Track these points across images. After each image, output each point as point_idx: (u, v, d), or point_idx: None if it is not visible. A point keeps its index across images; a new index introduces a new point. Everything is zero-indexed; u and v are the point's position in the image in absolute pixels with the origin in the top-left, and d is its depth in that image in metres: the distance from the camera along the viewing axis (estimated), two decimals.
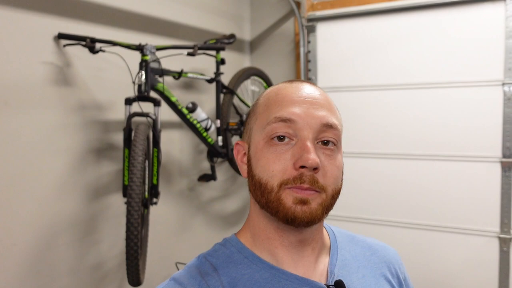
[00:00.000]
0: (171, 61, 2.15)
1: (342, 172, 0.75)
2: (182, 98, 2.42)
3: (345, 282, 0.75)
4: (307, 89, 0.75)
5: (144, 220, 1.92)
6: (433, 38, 2.48)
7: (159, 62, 2.11)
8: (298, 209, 0.68)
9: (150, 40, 2.18)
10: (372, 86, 2.64)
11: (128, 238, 1.58)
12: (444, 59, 2.46)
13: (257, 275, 0.73)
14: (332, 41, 2.76)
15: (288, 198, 0.69)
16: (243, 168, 0.78)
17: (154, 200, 1.91)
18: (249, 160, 0.76)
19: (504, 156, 2.35)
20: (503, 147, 2.35)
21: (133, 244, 1.58)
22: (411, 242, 2.59)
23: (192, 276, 0.73)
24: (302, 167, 0.68)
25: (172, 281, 0.73)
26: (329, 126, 0.71)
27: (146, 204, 1.84)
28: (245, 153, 0.79)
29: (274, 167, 0.70)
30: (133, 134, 1.71)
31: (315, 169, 0.68)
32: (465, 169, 2.45)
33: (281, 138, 0.71)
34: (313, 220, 0.69)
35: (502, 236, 2.38)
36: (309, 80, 2.81)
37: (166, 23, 2.32)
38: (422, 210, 2.57)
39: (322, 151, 0.71)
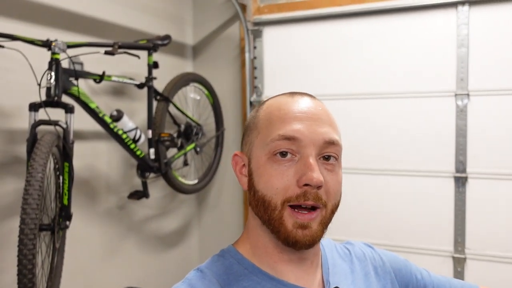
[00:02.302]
0: (100, 63, 1.90)
1: (341, 185, 0.77)
2: (111, 105, 2.15)
3: None
4: (309, 104, 0.76)
5: (54, 248, 1.64)
6: (384, 45, 2.35)
7: (79, 63, 1.85)
8: (299, 233, 0.70)
9: (72, 39, 1.91)
10: (321, 95, 2.45)
11: (20, 273, 1.29)
12: (396, 67, 2.33)
13: (258, 287, 0.73)
14: (280, 47, 2.58)
15: (289, 220, 0.70)
16: (243, 180, 0.79)
17: (66, 223, 1.62)
18: (250, 174, 0.76)
19: (457, 171, 2.22)
20: (456, 161, 2.23)
21: (27, 281, 1.29)
22: None
23: None
24: (306, 185, 0.69)
25: None
26: (331, 143, 0.72)
27: (53, 229, 1.55)
28: (244, 165, 0.79)
29: (278, 184, 0.70)
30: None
31: (319, 186, 0.69)
32: (418, 185, 2.30)
33: (283, 154, 0.71)
34: (315, 242, 0.71)
35: (456, 256, 2.25)
36: (256, 88, 2.62)
37: (90, 20, 2.06)
38: (374, 229, 2.40)
39: (324, 167, 0.72)
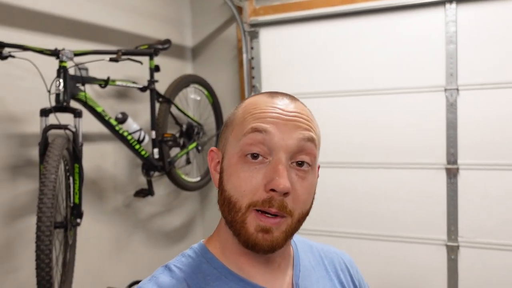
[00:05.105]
0: (104, 69, 1.99)
1: (314, 192, 0.74)
2: (116, 108, 2.25)
3: None
4: (286, 106, 0.73)
5: (67, 244, 1.74)
6: (375, 43, 2.44)
7: (85, 70, 1.94)
8: (260, 237, 0.68)
9: (77, 46, 2.01)
10: (316, 93, 2.56)
11: (38, 267, 1.39)
12: (387, 65, 2.42)
13: None
14: (276, 47, 2.68)
15: (252, 223, 0.68)
16: (216, 178, 0.76)
17: (78, 221, 1.73)
18: (221, 172, 0.74)
19: (448, 162, 2.32)
20: (447, 154, 2.32)
21: (45, 274, 1.39)
22: (358, 252, 2.52)
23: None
24: (273, 190, 0.67)
25: None
26: (305, 141, 0.70)
27: (66, 226, 1.65)
28: (218, 162, 0.76)
29: (246, 187, 0.68)
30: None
31: (286, 193, 0.67)
32: (411, 177, 2.40)
33: (255, 156, 0.69)
34: (274, 248, 0.69)
35: (449, 244, 2.34)
36: (254, 87, 2.71)
37: (94, 27, 2.15)
38: (369, 220, 2.50)
39: (295, 172, 0.70)
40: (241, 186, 0.69)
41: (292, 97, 0.76)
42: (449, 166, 2.32)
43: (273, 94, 0.76)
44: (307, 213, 0.73)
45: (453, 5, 2.25)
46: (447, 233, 2.35)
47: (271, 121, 0.70)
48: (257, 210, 0.68)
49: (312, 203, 0.74)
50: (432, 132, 2.34)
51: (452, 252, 2.35)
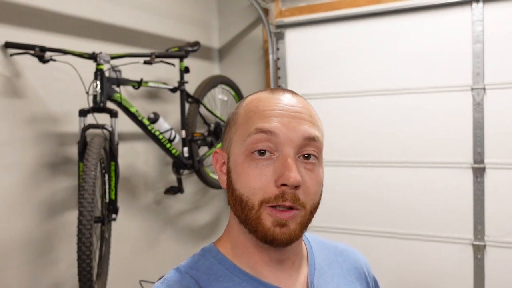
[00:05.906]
0: (135, 70, 2.07)
1: (322, 185, 0.74)
2: (147, 108, 2.33)
3: None
4: (289, 101, 0.73)
5: (103, 238, 1.83)
6: (401, 43, 2.46)
7: (118, 71, 2.03)
8: (277, 231, 0.68)
9: (111, 49, 2.10)
10: (342, 93, 2.60)
11: (79, 259, 1.48)
12: (413, 64, 2.43)
13: None
14: (301, 48, 2.72)
15: (268, 219, 0.68)
16: (222, 178, 0.76)
17: (113, 216, 1.81)
18: (228, 172, 0.74)
19: (475, 162, 2.32)
20: (474, 153, 2.32)
21: (86, 265, 1.48)
22: (385, 251, 2.54)
23: None
24: (284, 185, 0.67)
25: None
26: (311, 139, 0.70)
27: (103, 220, 1.74)
28: (224, 162, 0.76)
29: (255, 184, 0.69)
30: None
31: (297, 186, 0.68)
32: (437, 176, 2.41)
33: (262, 153, 0.69)
34: (292, 240, 0.70)
35: (476, 243, 2.34)
36: (280, 87, 2.75)
37: (127, 31, 2.24)
38: (395, 219, 2.52)
39: (304, 166, 0.70)
40: (251, 184, 0.69)
41: (293, 92, 0.76)
42: (476, 165, 2.32)
43: (274, 90, 0.76)
44: (317, 205, 0.73)
45: (480, 4, 2.25)
46: (474, 232, 2.35)
47: (275, 119, 0.70)
48: (271, 206, 0.68)
49: (321, 195, 0.74)
50: (459, 131, 2.35)
51: (479, 251, 2.34)
